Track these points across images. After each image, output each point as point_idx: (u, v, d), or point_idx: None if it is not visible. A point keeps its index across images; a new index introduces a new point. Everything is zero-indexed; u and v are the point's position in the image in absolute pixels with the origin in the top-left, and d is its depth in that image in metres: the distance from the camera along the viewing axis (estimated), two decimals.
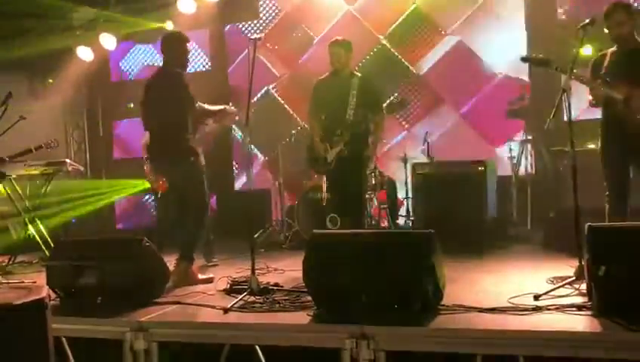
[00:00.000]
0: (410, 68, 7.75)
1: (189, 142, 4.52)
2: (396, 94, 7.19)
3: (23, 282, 4.78)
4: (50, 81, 5.60)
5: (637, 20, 4.09)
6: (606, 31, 4.09)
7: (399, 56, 7.80)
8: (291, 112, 8.28)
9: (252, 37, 4.10)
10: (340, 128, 5.10)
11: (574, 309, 2.98)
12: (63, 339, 3.23)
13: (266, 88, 8.43)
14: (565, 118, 3.68)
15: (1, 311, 2.26)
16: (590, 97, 4.16)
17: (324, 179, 5.62)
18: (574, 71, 3.72)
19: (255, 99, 8.15)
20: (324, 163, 5.23)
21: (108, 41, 8.25)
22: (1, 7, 6.66)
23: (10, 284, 4.75)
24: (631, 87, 3.96)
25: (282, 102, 8.39)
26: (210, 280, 4.37)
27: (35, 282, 4.61)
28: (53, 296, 3.67)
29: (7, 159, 5.76)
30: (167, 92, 4.50)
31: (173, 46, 4.61)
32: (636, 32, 4.10)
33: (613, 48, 4.16)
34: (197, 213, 4.54)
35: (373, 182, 6.38)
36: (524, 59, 4.30)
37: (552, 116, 3.60)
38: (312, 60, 8.04)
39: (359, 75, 5.27)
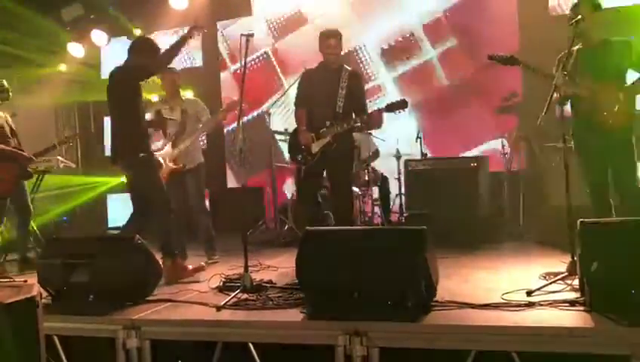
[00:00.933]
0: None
1: (140, 140, 4.39)
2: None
3: (14, 280, 4.74)
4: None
5: (601, 17, 4.01)
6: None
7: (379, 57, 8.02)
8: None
9: (243, 33, 4.05)
10: (329, 119, 4.81)
11: (567, 305, 2.99)
12: (55, 338, 3.21)
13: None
14: (557, 115, 3.68)
15: None
16: (556, 95, 4.09)
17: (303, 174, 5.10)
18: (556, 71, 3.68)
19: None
20: (307, 153, 4.86)
21: (99, 37, 8.20)
22: None
23: (1, 283, 4.71)
24: (595, 84, 3.94)
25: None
26: (201, 268, 4.38)
27: (26, 281, 4.57)
28: (44, 294, 3.64)
29: (34, 158, 5.55)
30: (115, 92, 4.38)
31: (142, 53, 4.42)
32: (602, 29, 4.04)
33: (579, 45, 4.11)
34: (159, 209, 4.41)
35: (366, 178, 6.38)
36: (490, 58, 4.16)
37: (544, 112, 3.58)
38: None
39: (349, 68, 4.99)
